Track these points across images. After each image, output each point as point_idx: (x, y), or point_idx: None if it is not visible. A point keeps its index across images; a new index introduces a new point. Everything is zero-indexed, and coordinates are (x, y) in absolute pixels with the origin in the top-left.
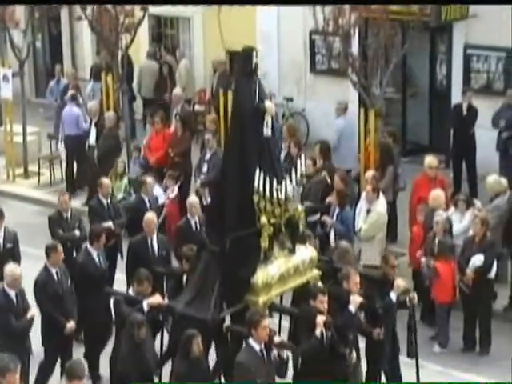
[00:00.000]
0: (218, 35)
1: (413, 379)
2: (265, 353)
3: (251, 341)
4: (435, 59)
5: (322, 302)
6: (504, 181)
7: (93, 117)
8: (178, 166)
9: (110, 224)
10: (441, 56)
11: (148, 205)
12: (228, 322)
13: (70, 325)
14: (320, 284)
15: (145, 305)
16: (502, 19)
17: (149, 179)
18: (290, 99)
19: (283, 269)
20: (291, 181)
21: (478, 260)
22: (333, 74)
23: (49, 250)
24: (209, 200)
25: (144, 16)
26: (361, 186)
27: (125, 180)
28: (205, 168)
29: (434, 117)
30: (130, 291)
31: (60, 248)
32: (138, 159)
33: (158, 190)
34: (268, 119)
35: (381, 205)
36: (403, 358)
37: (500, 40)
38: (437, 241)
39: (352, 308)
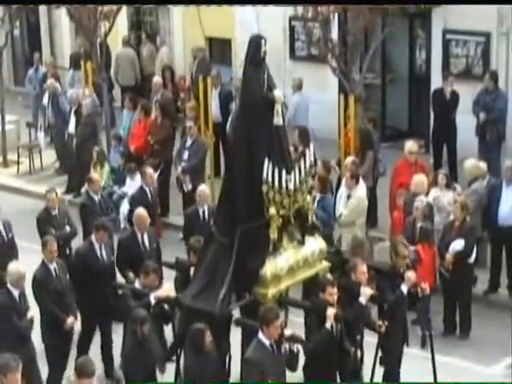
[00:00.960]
0: (198, 22)
1: (420, 371)
2: (275, 347)
3: (261, 335)
4: (414, 45)
5: (331, 294)
6: (482, 165)
7: (72, 105)
8: (157, 153)
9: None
10: (420, 41)
11: (150, 196)
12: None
13: (71, 320)
14: (329, 276)
15: (152, 298)
16: (480, 4)
17: (149, 170)
18: None
19: (292, 261)
20: (300, 171)
21: (458, 244)
22: (312, 60)
23: (43, 245)
24: (190, 187)
25: (123, 3)
26: (341, 172)
27: (106, 168)
28: (185, 155)
29: (414, 102)
30: (137, 284)
31: (51, 243)
32: (117, 147)
33: (137, 179)
34: (278, 108)
35: (361, 190)
36: (410, 350)
37: (478, 25)
38: (418, 226)
39: (363, 300)
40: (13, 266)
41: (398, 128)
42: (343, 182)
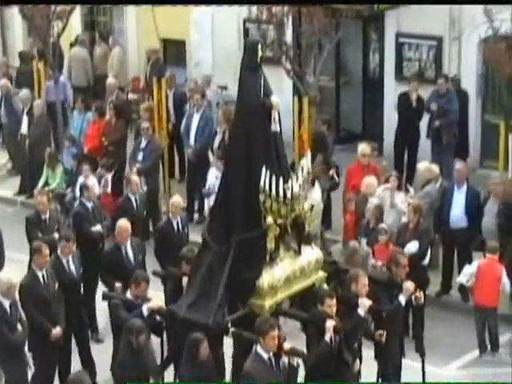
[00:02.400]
0: (152, 23)
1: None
2: (273, 361)
3: (259, 349)
4: (368, 48)
5: (330, 306)
6: (435, 168)
7: (25, 105)
8: (111, 154)
9: (98, 228)
10: (373, 44)
11: (135, 204)
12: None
13: (56, 331)
14: (326, 286)
15: (144, 309)
16: (432, 8)
17: (134, 177)
18: (225, 88)
19: (289, 271)
20: (298, 179)
21: (412, 247)
22: (267, 63)
23: (33, 251)
24: (145, 188)
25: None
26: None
27: (59, 169)
28: (140, 156)
29: (367, 105)
30: (128, 294)
31: (45, 250)
32: (70, 149)
33: (92, 180)
34: (275, 114)
35: (316, 193)
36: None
37: (431, 29)
38: (370, 227)
39: (361, 311)
40: (3, 276)
41: (351, 130)
42: None
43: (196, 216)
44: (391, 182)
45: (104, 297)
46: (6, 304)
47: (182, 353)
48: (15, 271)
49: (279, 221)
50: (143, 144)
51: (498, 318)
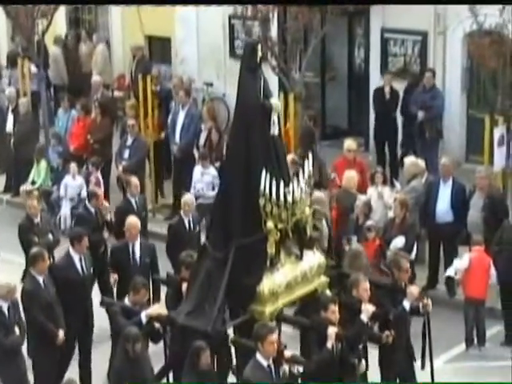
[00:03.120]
0: (137, 20)
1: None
2: (273, 368)
3: (259, 356)
4: (353, 43)
5: (334, 312)
6: (421, 162)
7: (10, 103)
8: (97, 152)
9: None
10: (359, 40)
11: (135, 206)
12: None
13: (61, 334)
14: (328, 292)
15: (143, 316)
16: (417, 3)
17: (134, 179)
18: (210, 84)
19: (290, 276)
20: (299, 182)
21: (399, 242)
22: None
23: (35, 258)
24: None
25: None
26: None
27: (43, 163)
28: (126, 154)
29: (353, 100)
30: (126, 301)
31: (46, 255)
32: (56, 147)
33: (78, 179)
34: (275, 117)
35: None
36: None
37: (416, 24)
38: (359, 224)
39: (364, 317)
40: (2, 279)
41: (337, 126)
42: None
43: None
44: (377, 178)
45: (102, 303)
46: (4, 307)
47: (180, 361)
48: (3, 272)
49: (280, 225)
50: (129, 141)
51: (485, 311)
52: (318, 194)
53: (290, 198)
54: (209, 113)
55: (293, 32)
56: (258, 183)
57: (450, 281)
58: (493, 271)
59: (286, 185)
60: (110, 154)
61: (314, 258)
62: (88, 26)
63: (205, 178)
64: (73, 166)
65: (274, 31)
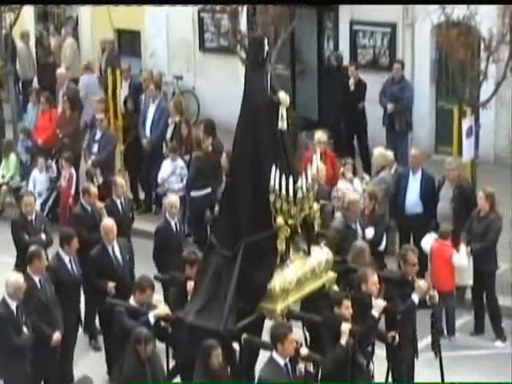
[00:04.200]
0: (106, 13)
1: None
2: (290, 367)
3: (275, 355)
4: (323, 36)
5: (348, 307)
6: (390, 154)
7: None
8: (66, 146)
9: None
10: (328, 32)
11: (120, 207)
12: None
13: (57, 336)
14: (336, 287)
15: (151, 316)
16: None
17: (119, 179)
18: (180, 77)
19: (300, 273)
20: (307, 177)
21: (368, 233)
22: (222, 52)
23: (32, 257)
24: (101, 180)
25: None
26: None
27: (12, 158)
28: (95, 148)
29: (323, 93)
30: (132, 301)
31: (44, 254)
32: (24, 141)
33: (45, 172)
34: (283, 111)
35: None
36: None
37: (384, 16)
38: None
39: (375, 313)
40: (12, 277)
41: (307, 118)
42: None
43: (154, 207)
44: (346, 169)
45: (107, 304)
46: (13, 305)
47: (189, 361)
48: None
49: (290, 221)
50: (98, 135)
51: (454, 301)
52: (352, 196)
53: (299, 194)
54: (176, 107)
55: (262, 25)
56: (267, 179)
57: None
58: (457, 259)
59: (295, 180)
60: (79, 148)
61: (321, 254)
62: (57, 20)
63: (173, 171)
64: (40, 160)
65: (243, 24)
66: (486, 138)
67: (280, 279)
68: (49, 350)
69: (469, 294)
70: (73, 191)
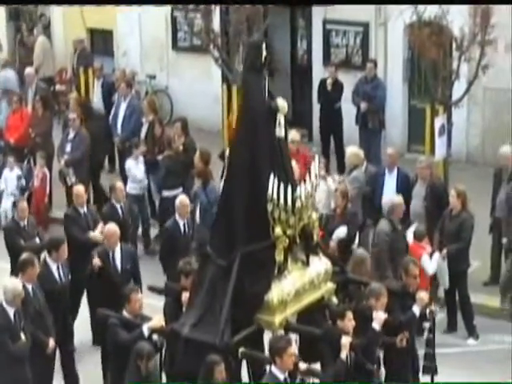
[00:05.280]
0: (79, 13)
1: None
2: (289, 381)
3: (274, 369)
4: (296, 35)
5: (351, 320)
6: (361, 152)
7: None
8: (39, 146)
9: (95, 234)
10: (301, 31)
11: (120, 212)
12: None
13: (52, 343)
14: (335, 298)
15: (145, 329)
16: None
17: (118, 183)
18: (153, 77)
19: (298, 284)
20: (306, 186)
21: (341, 232)
22: (195, 51)
23: (24, 264)
24: (73, 180)
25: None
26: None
27: None
28: (68, 148)
29: (296, 91)
30: (125, 313)
31: (36, 261)
32: None
33: (16, 172)
34: (281, 118)
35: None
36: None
37: (357, 15)
38: None
39: (376, 325)
40: (9, 283)
41: None
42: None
43: None
44: (319, 168)
45: (100, 316)
46: (11, 312)
47: (184, 375)
48: None
49: (288, 231)
50: (71, 135)
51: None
52: (397, 199)
53: (298, 203)
54: (150, 106)
55: (235, 24)
56: (265, 188)
57: None
58: (426, 265)
59: (294, 189)
60: (52, 147)
61: (320, 264)
62: (29, 19)
63: (139, 168)
64: (10, 160)
65: (216, 23)
66: (458, 136)
67: (278, 291)
68: (45, 358)
69: (441, 293)
70: (47, 191)
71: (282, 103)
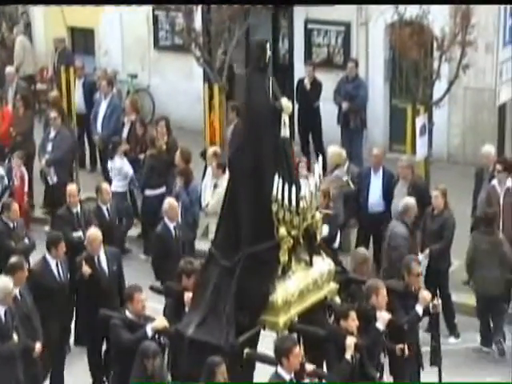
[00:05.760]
0: (59, 12)
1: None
2: (295, 382)
3: (280, 370)
4: (277, 34)
5: (354, 320)
6: (343, 152)
7: None
8: (20, 145)
9: (80, 234)
10: (283, 31)
11: (107, 214)
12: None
13: (38, 347)
14: (338, 298)
15: (148, 329)
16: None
17: (104, 185)
18: (135, 76)
19: (302, 284)
20: (310, 186)
21: (323, 230)
22: (177, 50)
23: (14, 268)
24: (55, 179)
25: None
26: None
27: None
28: (49, 147)
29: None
30: (128, 313)
31: (25, 265)
32: None
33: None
34: (285, 118)
35: (226, 180)
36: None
37: (339, 14)
38: None
39: (380, 325)
40: (0, 282)
41: None
42: (209, 171)
43: None
44: (301, 167)
45: (102, 316)
46: (1, 311)
47: (188, 376)
48: None
49: (293, 232)
50: (52, 134)
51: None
52: (410, 200)
53: (302, 203)
54: (132, 105)
55: (217, 23)
56: (269, 188)
57: None
58: None
59: (298, 189)
60: (33, 146)
61: (323, 264)
62: (9, 18)
63: (123, 168)
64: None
65: (197, 22)
66: (439, 136)
67: (282, 291)
68: (32, 362)
69: None
70: (26, 190)
71: (286, 103)
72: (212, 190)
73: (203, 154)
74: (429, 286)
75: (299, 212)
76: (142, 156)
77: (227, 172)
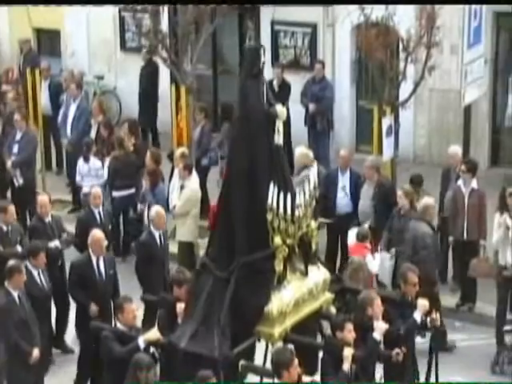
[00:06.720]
0: (25, 12)
1: None
2: None
3: (278, 382)
4: (244, 35)
5: (351, 331)
6: (310, 153)
7: None
8: None
9: (56, 243)
10: (249, 32)
11: (98, 218)
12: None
13: (36, 353)
14: (333, 308)
15: (140, 341)
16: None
17: (97, 190)
18: (101, 77)
19: (298, 294)
20: (305, 194)
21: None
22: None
23: (11, 271)
24: (21, 181)
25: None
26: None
27: None
28: (15, 149)
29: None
30: (119, 324)
31: (23, 269)
32: None
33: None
34: (279, 125)
35: (194, 181)
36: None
37: (305, 16)
38: None
39: (377, 336)
40: None
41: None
42: (176, 172)
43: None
44: None
45: (93, 328)
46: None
47: None
48: None
49: (288, 241)
50: (18, 136)
51: None
52: (429, 200)
53: (298, 212)
54: (99, 107)
55: (183, 25)
56: (264, 197)
57: None
58: (371, 261)
59: (293, 197)
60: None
61: (319, 274)
62: None
63: (92, 172)
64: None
65: (164, 24)
66: (405, 136)
67: (277, 301)
68: (24, 368)
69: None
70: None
71: (280, 109)
72: (179, 192)
73: (170, 156)
74: (395, 287)
75: (294, 221)
76: (108, 158)
77: (194, 173)
